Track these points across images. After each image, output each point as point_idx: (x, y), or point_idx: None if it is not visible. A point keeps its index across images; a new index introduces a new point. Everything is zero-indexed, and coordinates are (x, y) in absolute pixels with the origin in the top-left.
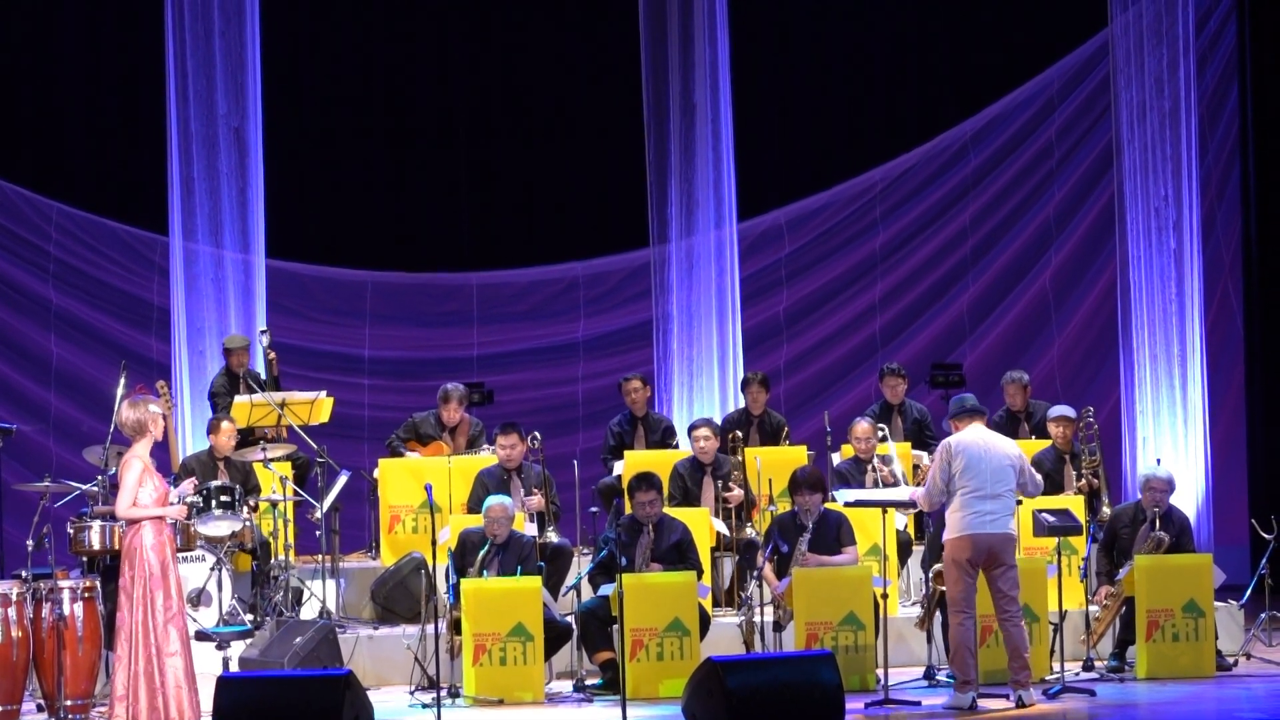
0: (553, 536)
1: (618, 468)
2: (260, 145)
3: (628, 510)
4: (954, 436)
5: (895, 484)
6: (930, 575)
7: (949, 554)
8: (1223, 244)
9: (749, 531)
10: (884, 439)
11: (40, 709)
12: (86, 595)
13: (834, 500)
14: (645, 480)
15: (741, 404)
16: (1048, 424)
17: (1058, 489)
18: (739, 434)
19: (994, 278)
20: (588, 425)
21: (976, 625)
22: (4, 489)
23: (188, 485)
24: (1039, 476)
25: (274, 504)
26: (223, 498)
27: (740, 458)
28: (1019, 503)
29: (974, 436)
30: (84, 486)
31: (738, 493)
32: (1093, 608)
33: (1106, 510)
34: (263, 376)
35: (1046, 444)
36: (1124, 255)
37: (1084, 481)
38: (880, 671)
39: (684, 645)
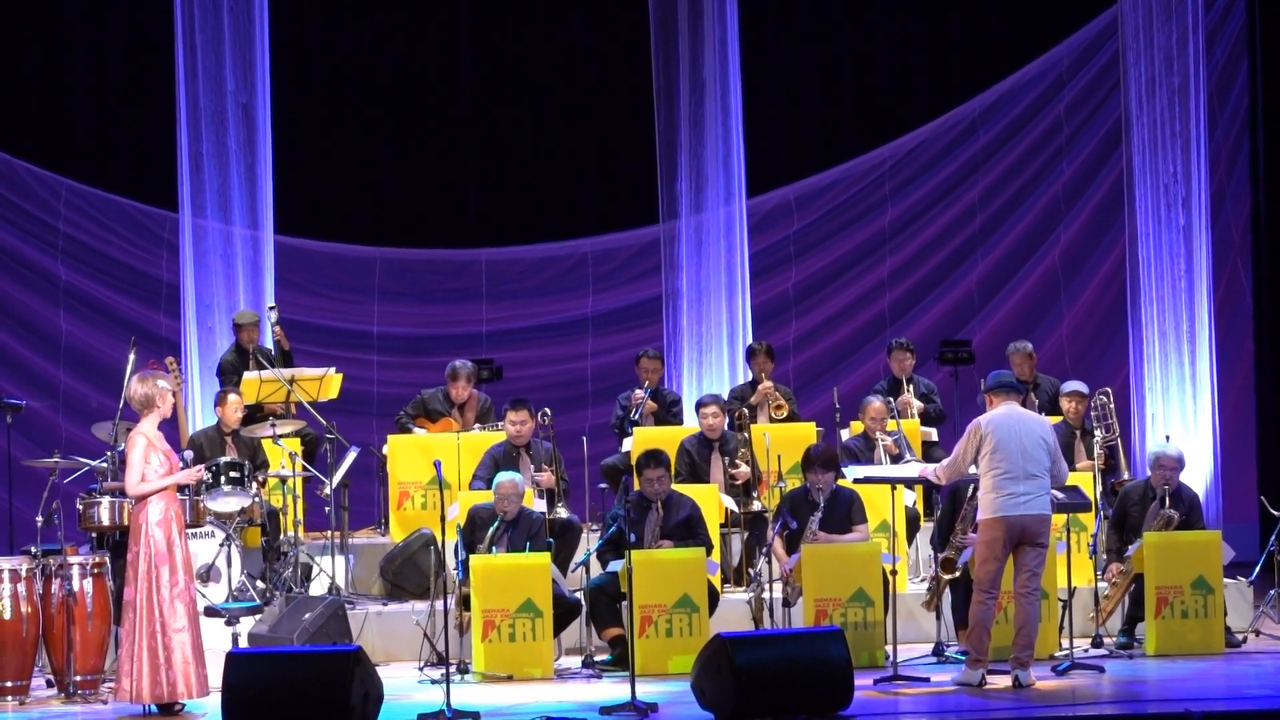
0: (562, 512)
1: (626, 444)
2: (269, 121)
3: (636, 487)
4: (985, 415)
5: (900, 455)
6: (938, 562)
7: (981, 534)
8: (1232, 221)
9: (754, 505)
10: (892, 415)
11: (50, 685)
12: (96, 571)
13: (842, 476)
14: (654, 457)
15: (749, 377)
16: (1060, 399)
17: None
18: (744, 411)
19: (1003, 254)
20: (597, 401)
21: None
22: (14, 465)
23: (190, 459)
24: (1065, 466)
25: (283, 480)
26: (232, 473)
27: (747, 434)
28: None
29: (1006, 415)
30: (93, 462)
31: (744, 469)
32: (1102, 585)
33: (1126, 475)
34: (272, 352)
35: (1058, 419)
36: (1133, 232)
37: (1101, 453)
38: (889, 648)
39: (693, 621)
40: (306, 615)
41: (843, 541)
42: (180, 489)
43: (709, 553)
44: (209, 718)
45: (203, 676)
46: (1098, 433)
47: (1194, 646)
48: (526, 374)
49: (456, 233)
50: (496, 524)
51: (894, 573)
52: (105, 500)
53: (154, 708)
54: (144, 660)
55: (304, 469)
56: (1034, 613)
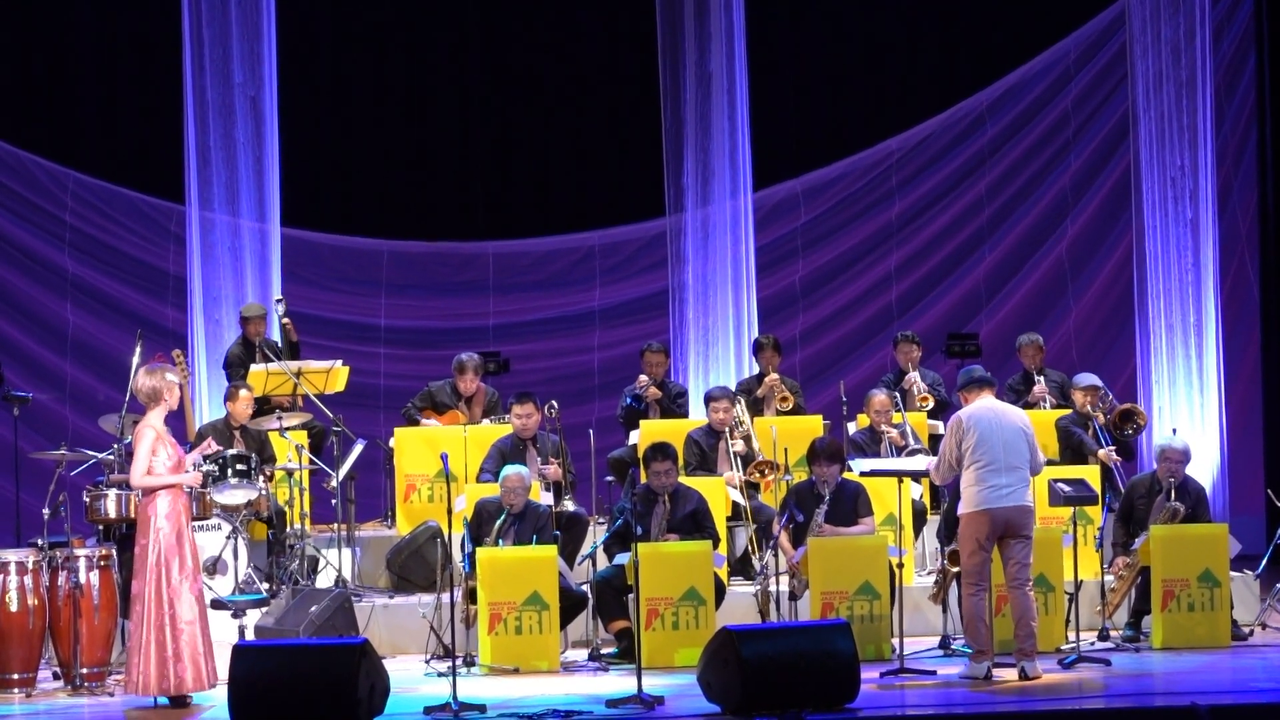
0: (569, 504)
1: (633, 437)
2: (276, 114)
3: (643, 480)
4: (964, 410)
5: (905, 445)
6: (945, 554)
7: (964, 527)
8: (1239, 214)
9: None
10: (897, 408)
11: (56, 677)
12: (102, 563)
13: (849, 469)
14: (661, 450)
15: (755, 370)
16: (1073, 392)
17: (1080, 457)
18: (742, 403)
19: (1010, 247)
20: (603, 394)
21: (991, 596)
22: (21, 457)
23: (199, 454)
24: (1042, 456)
25: (290, 473)
26: (238, 466)
27: (747, 426)
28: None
29: (984, 408)
30: (100, 455)
31: (741, 445)
32: (1108, 578)
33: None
34: (279, 345)
35: (1066, 411)
36: (1140, 225)
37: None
38: (895, 641)
39: (699, 614)
40: (313, 608)
41: (848, 534)
42: None
43: (715, 546)
44: (216, 709)
45: (211, 669)
46: (1099, 415)
47: (1200, 640)
48: (533, 367)
49: (464, 226)
50: (503, 517)
51: (900, 565)
52: (112, 493)
53: (163, 699)
54: (152, 653)
55: (311, 462)
56: (1028, 602)
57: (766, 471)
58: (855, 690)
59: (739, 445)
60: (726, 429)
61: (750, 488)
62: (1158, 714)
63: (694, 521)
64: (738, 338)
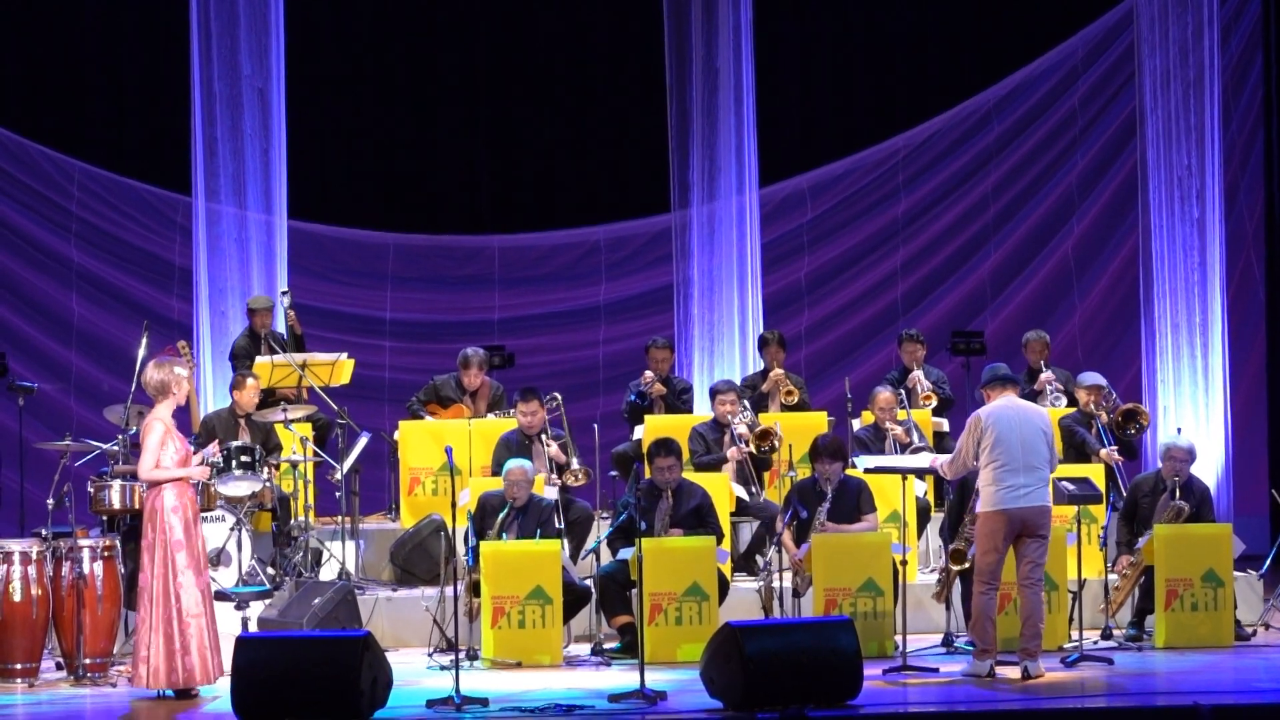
0: (574, 463)
1: (637, 432)
2: (283, 106)
3: (647, 475)
4: (985, 408)
5: (910, 443)
6: (948, 553)
7: (980, 526)
8: (1245, 213)
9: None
10: (902, 405)
11: (59, 667)
12: (106, 554)
13: (854, 467)
14: (664, 446)
15: (760, 366)
16: (1078, 390)
17: (1083, 456)
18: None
19: (1016, 246)
20: (608, 389)
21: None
22: (25, 447)
23: (213, 448)
24: (1057, 457)
25: (294, 465)
26: (243, 458)
27: (754, 419)
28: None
29: (1005, 407)
30: (105, 446)
31: (749, 415)
32: (1112, 576)
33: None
34: (285, 337)
35: (1071, 410)
36: (1146, 224)
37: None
38: (899, 638)
39: (702, 610)
40: (316, 600)
41: (851, 531)
42: None
43: (719, 541)
44: (219, 701)
45: (218, 661)
46: (1102, 414)
47: (1203, 639)
48: (538, 361)
49: (469, 219)
50: (506, 510)
51: (904, 563)
52: (116, 483)
53: (169, 692)
54: (159, 645)
55: (315, 454)
56: (1038, 602)
57: (774, 442)
58: (858, 687)
59: (742, 429)
60: (730, 419)
61: (755, 463)
62: (1160, 714)
63: (697, 517)
64: (743, 333)
